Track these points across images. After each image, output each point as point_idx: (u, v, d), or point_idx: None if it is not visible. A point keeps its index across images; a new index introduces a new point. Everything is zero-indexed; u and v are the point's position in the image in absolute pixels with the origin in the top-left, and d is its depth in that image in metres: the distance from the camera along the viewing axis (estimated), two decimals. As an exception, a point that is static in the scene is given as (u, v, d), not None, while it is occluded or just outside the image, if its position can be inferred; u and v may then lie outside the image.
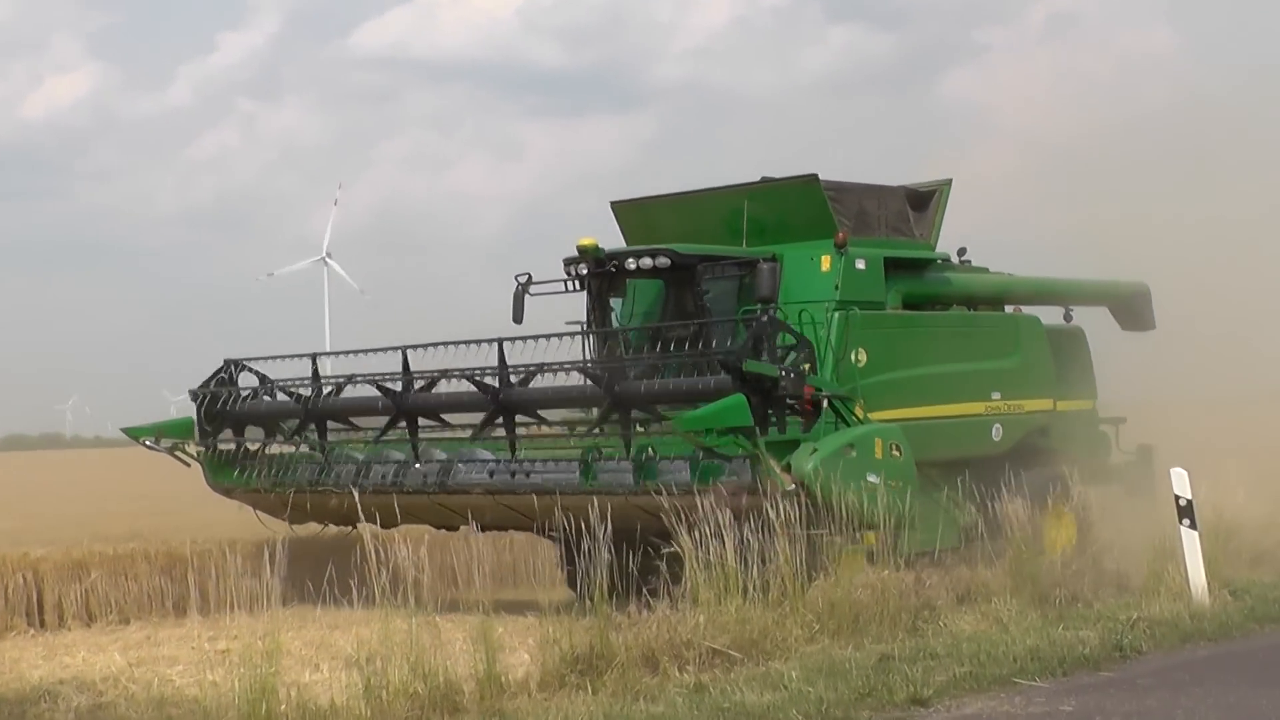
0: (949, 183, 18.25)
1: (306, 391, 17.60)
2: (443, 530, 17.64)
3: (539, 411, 16.20)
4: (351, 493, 14.81)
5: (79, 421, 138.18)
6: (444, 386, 16.37)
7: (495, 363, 15.66)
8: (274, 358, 18.40)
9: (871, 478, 14.52)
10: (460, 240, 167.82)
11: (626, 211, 18.30)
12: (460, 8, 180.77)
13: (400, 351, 16.63)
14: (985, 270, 19.00)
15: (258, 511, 17.93)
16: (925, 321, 17.48)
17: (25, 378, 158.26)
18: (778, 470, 14.17)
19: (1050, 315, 19.55)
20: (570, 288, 17.12)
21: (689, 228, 17.21)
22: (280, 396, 18.06)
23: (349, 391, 17.37)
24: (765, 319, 14.79)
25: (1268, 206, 23.54)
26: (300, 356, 18.02)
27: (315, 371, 17.65)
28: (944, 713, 10.39)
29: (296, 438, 17.93)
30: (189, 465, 18.46)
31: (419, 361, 16.57)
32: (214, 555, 17.34)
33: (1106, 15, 78.90)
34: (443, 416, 16.84)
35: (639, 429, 15.27)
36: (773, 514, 12.97)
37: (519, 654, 12.01)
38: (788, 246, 16.58)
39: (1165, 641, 12.76)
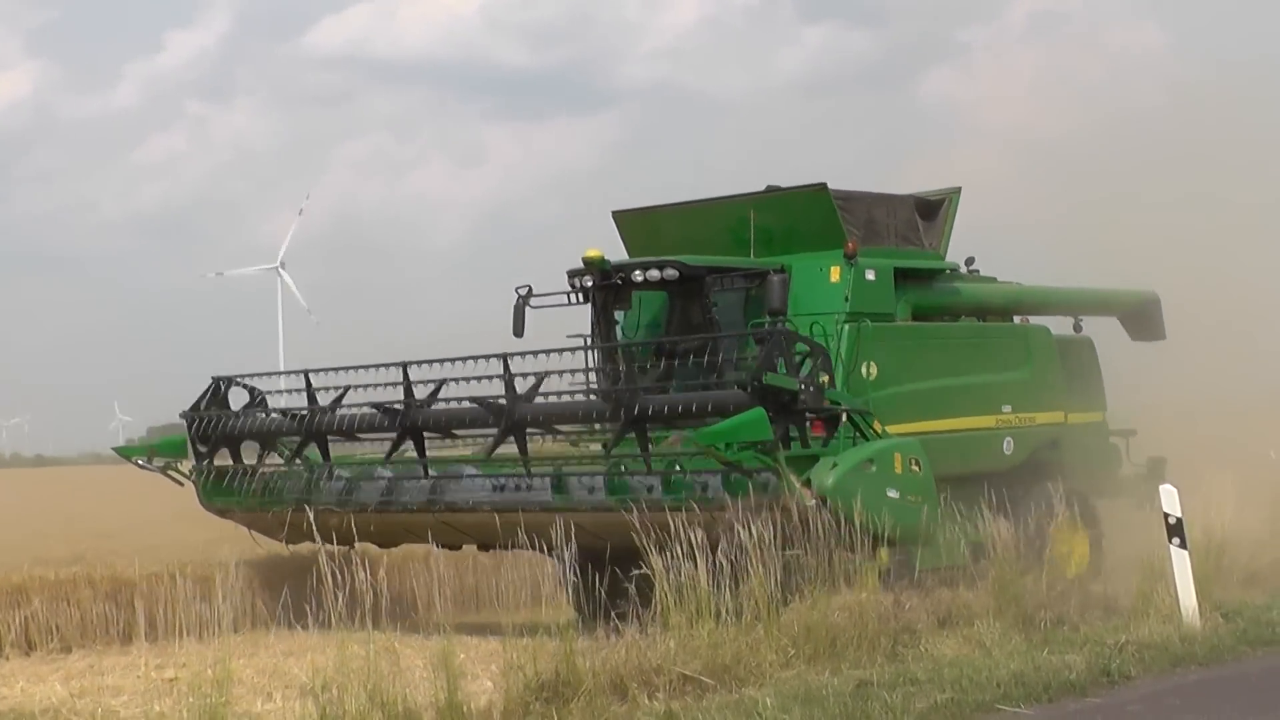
0: (958, 191, 18.13)
1: (303, 407, 17.31)
2: (444, 548, 17.15)
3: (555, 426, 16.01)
4: (365, 509, 14.52)
5: (16, 440, 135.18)
6: (448, 391, 16.14)
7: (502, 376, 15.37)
8: (265, 374, 18.41)
9: (891, 493, 14.29)
10: (422, 247, 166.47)
11: (629, 221, 18.08)
12: (422, 4, 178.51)
13: (401, 367, 16.38)
14: (994, 280, 18.94)
15: (253, 531, 17.61)
16: (936, 333, 17.45)
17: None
18: (798, 485, 13.93)
19: (1058, 325, 19.46)
20: (574, 300, 16.86)
21: (693, 238, 17.00)
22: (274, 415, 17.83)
23: (351, 404, 17.06)
24: (780, 331, 14.60)
25: (1267, 202, 23.46)
26: (295, 373, 17.87)
27: (309, 388, 17.30)
28: (925, 741, 10.21)
29: (296, 460, 17.58)
30: (182, 485, 18.20)
31: (421, 378, 16.34)
32: (163, 579, 16.94)
33: (1091, 10, 79.22)
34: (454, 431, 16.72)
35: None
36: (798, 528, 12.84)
37: (481, 681, 11.69)
38: (795, 257, 16.41)
39: (1154, 666, 12.52)
